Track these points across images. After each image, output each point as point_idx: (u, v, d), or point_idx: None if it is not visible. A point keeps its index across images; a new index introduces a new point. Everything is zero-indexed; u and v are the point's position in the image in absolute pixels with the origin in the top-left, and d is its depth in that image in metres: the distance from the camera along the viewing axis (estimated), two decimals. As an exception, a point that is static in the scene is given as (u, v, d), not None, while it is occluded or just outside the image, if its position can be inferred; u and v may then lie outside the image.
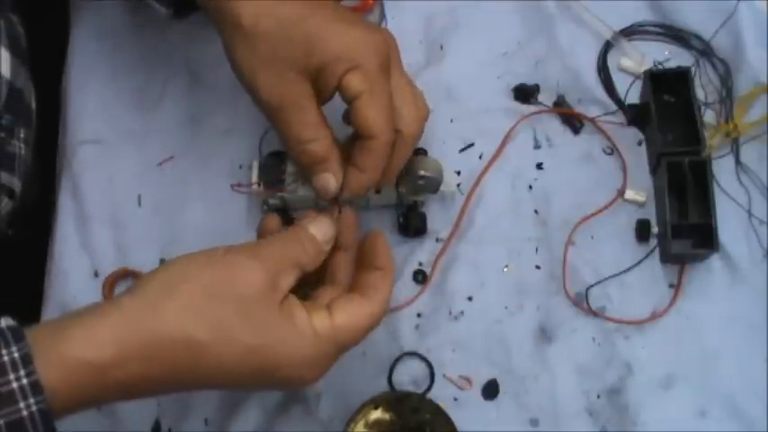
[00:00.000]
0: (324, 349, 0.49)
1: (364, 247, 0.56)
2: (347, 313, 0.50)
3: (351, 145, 0.57)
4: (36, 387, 0.43)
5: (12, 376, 0.43)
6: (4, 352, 0.43)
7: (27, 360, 0.43)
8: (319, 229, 0.53)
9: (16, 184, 0.67)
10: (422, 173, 0.64)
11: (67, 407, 0.45)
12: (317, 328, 0.49)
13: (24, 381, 0.43)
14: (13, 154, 0.66)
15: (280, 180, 0.66)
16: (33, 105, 0.69)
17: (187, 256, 0.49)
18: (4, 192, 0.65)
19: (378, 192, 0.64)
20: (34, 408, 0.43)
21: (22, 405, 0.43)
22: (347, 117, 0.57)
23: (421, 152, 0.67)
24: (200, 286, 0.47)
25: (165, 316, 0.46)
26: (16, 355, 0.43)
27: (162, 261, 0.69)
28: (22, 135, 0.67)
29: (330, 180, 0.56)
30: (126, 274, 0.68)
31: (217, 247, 0.50)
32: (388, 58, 0.56)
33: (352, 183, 0.56)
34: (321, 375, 0.50)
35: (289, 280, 0.49)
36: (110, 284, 0.68)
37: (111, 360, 0.45)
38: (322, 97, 0.55)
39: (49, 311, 0.68)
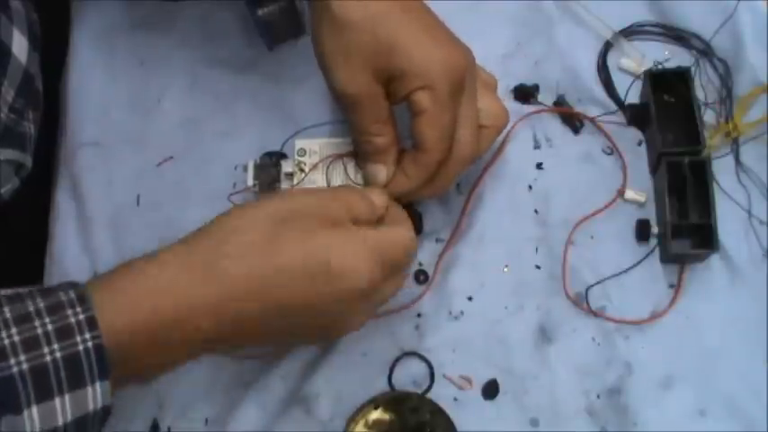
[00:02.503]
0: (371, 251, 0.53)
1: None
2: (390, 230, 0.56)
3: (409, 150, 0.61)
4: (92, 322, 0.45)
5: (69, 311, 0.45)
6: (62, 294, 0.46)
7: (83, 298, 0.46)
8: (378, 197, 0.58)
9: (28, 160, 0.68)
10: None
11: (124, 348, 0.47)
12: (367, 235, 0.54)
13: (81, 316, 0.45)
14: (24, 134, 0.67)
15: (275, 180, 0.66)
16: (41, 88, 0.70)
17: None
18: (15, 169, 0.66)
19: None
20: (90, 343, 0.45)
21: (78, 339, 0.45)
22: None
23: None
24: (264, 213, 0.53)
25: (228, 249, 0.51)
26: (73, 295, 0.46)
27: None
28: (31, 116, 0.68)
29: (381, 171, 0.61)
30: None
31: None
32: (463, 81, 0.58)
33: (395, 183, 0.61)
34: (372, 277, 0.53)
35: (340, 213, 0.54)
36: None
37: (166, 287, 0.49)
38: (391, 99, 0.59)
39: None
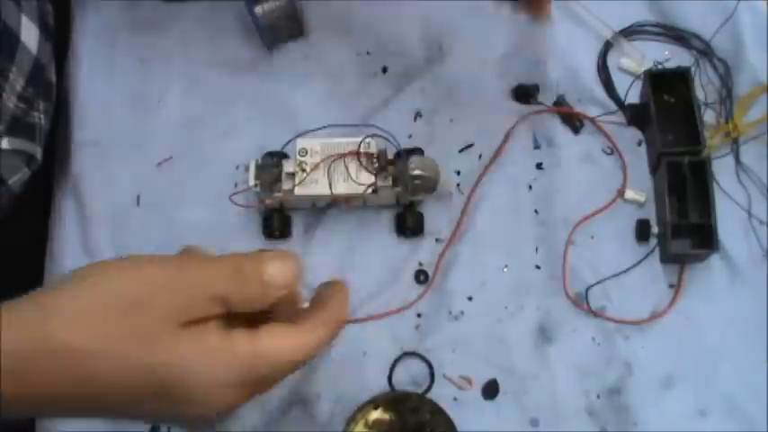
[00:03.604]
0: (237, 372, 0.42)
1: (322, 291, 0.47)
2: (273, 340, 0.42)
3: None
4: None
5: None
6: None
7: None
8: (279, 271, 0.42)
9: (38, 151, 0.68)
10: (417, 172, 0.64)
11: None
12: (236, 350, 0.41)
13: None
14: (33, 124, 0.67)
15: (277, 180, 0.66)
16: (54, 80, 0.70)
17: (102, 262, 0.42)
18: (25, 159, 0.66)
19: (375, 192, 0.65)
20: None
21: None
22: None
23: (417, 152, 0.67)
24: (101, 293, 0.40)
25: (50, 321, 0.39)
26: None
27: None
28: (41, 107, 0.68)
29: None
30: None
31: (141, 255, 0.42)
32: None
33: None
34: (231, 402, 0.42)
35: (206, 308, 0.41)
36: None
37: None
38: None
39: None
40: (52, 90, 0.70)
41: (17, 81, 0.63)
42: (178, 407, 0.41)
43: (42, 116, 0.68)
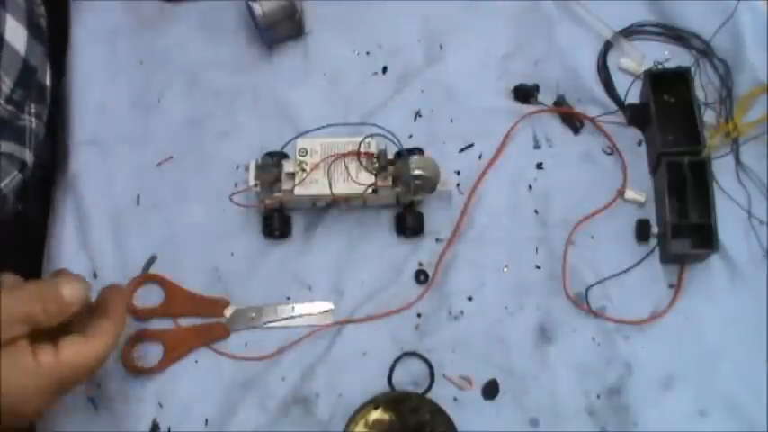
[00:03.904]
0: (45, 381, 0.51)
1: (102, 296, 0.57)
2: (71, 350, 0.52)
3: None
4: None
5: None
6: None
7: None
8: (72, 291, 0.52)
9: (28, 156, 0.67)
10: (418, 172, 0.64)
11: None
12: (41, 363, 0.50)
13: None
14: (23, 127, 0.66)
15: (277, 180, 0.66)
16: (48, 83, 0.70)
17: None
18: (15, 164, 0.66)
19: (375, 192, 0.65)
20: None
21: None
22: None
23: (417, 152, 0.67)
24: None
25: None
26: None
27: (153, 257, 0.69)
28: (33, 110, 0.67)
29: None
30: (146, 280, 0.69)
31: None
32: None
33: None
34: (41, 406, 0.51)
35: (15, 329, 0.49)
36: (130, 290, 0.68)
37: None
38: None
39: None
40: (45, 93, 0.69)
41: (4, 83, 0.62)
42: None
43: (34, 119, 0.67)
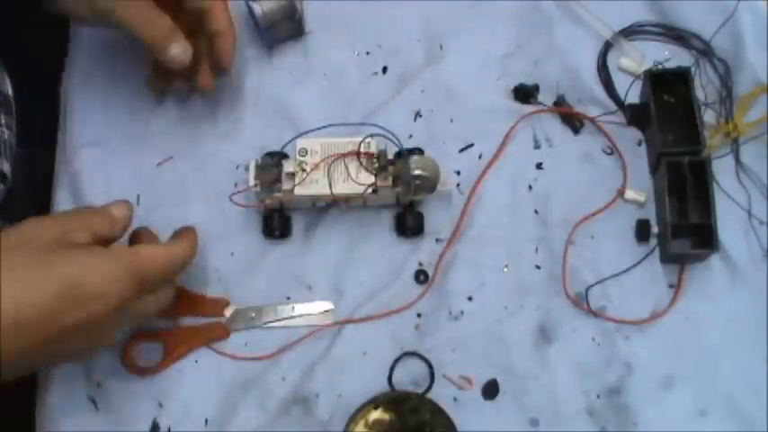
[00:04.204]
0: (123, 268, 0.54)
1: (177, 231, 0.64)
2: (147, 248, 0.58)
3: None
4: None
5: None
6: None
7: None
8: (119, 209, 0.59)
9: (6, 167, 0.68)
10: (418, 172, 0.63)
11: None
12: (118, 251, 0.56)
13: None
14: None
15: (277, 180, 0.66)
16: (10, 92, 0.71)
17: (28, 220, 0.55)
18: None
19: (375, 192, 0.65)
20: None
21: None
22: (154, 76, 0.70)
23: (417, 151, 0.67)
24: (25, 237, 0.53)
25: None
26: None
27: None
28: (3, 121, 0.68)
29: (183, 44, 0.64)
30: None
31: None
32: None
33: (219, 45, 0.67)
34: (123, 291, 0.53)
35: (80, 236, 0.54)
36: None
37: None
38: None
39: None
40: (10, 102, 0.70)
41: None
42: (84, 306, 0.51)
43: (6, 130, 0.68)
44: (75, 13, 0.63)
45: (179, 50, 0.64)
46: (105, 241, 0.57)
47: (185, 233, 0.63)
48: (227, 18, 0.67)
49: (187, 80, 0.71)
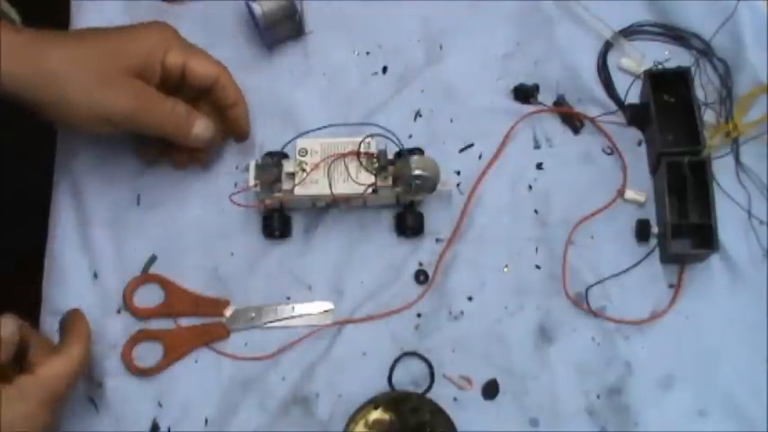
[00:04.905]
0: (33, 402, 0.54)
1: (62, 320, 0.62)
2: (46, 365, 0.56)
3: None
4: None
5: None
6: None
7: None
8: (5, 329, 0.56)
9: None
10: (417, 172, 0.63)
11: None
12: (22, 385, 0.54)
13: None
14: None
15: (277, 180, 0.66)
16: None
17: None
18: None
19: (375, 192, 0.64)
20: None
21: None
22: (144, 149, 0.70)
23: (417, 152, 0.67)
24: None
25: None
26: None
27: (153, 257, 0.69)
28: None
29: (204, 121, 0.65)
30: (146, 280, 0.69)
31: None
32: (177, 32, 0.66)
33: (234, 115, 0.69)
34: (45, 425, 0.54)
35: None
36: (130, 291, 0.68)
37: None
38: (152, 83, 0.63)
39: (48, 312, 0.68)
40: None
41: None
42: None
43: None
44: (92, 131, 0.64)
45: (202, 128, 0.65)
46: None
47: (73, 325, 0.60)
48: (236, 87, 0.68)
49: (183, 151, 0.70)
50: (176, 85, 0.65)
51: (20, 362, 0.57)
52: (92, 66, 0.60)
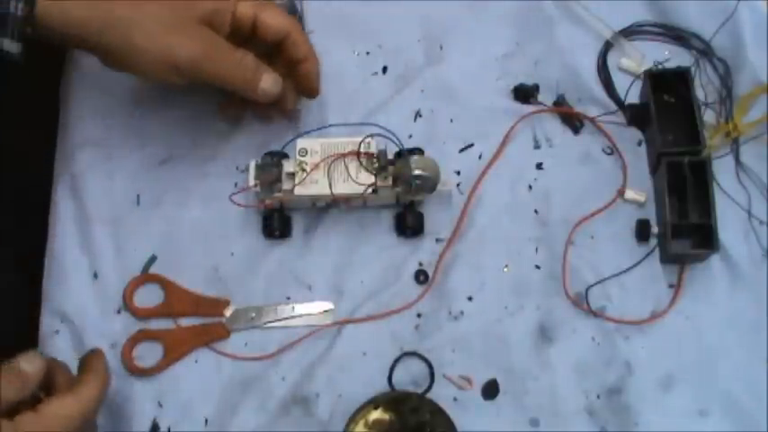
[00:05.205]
0: None
1: (82, 359, 0.59)
2: (53, 404, 0.53)
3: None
4: None
5: None
6: None
7: None
8: (29, 364, 0.53)
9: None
10: (418, 172, 0.64)
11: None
12: (21, 421, 0.51)
13: None
14: None
15: (277, 180, 0.66)
16: None
17: None
18: None
19: (375, 192, 0.64)
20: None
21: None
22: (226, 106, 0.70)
23: (417, 151, 0.67)
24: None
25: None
26: None
27: (153, 257, 0.69)
28: None
29: (273, 76, 0.64)
30: (146, 280, 0.69)
31: None
32: None
33: (305, 70, 0.67)
34: None
35: None
36: (130, 291, 0.68)
37: None
38: (221, 33, 0.63)
39: (48, 312, 0.68)
40: None
41: None
42: None
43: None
44: (159, 79, 0.62)
45: (270, 84, 0.64)
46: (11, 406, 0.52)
47: (92, 364, 0.58)
48: (307, 42, 0.67)
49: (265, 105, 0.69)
50: (246, 38, 0.64)
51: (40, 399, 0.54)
52: (160, 12, 0.59)
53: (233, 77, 0.63)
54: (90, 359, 0.58)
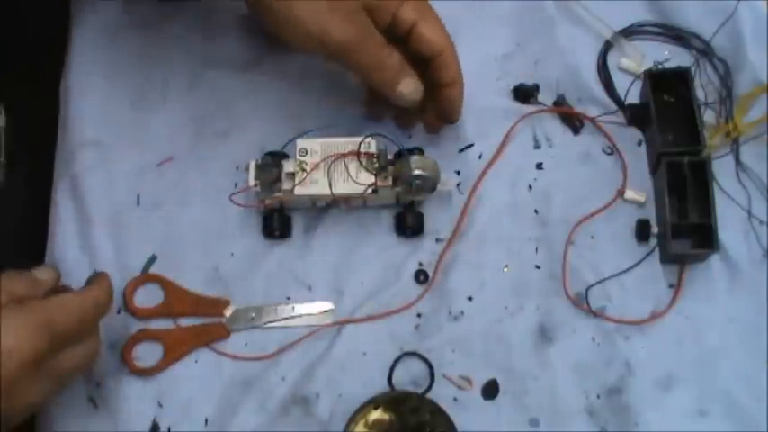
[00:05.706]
0: (31, 316, 0.52)
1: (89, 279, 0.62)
2: (58, 297, 0.56)
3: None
4: None
5: None
6: None
7: None
8: (42, 272, 0.58)
9: None
10: (418, 172, 0.64)
11: None
12: (24, 305, 0.53)
13: None
14: None
15: (277, 180, 0.66)
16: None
17: None
18: None
19: (375, 192, 0.65)
20: None
21: None
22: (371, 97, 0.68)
23: (417, 151, 0.67)
24: None
25: None
26: None
27: (153, 257, 0.69)
28: None
29: (415, 81, 0.63)
30: (146, 280, 0.69)
31: None
32: None
33: (449, 95, 0.65)
34: (36, 343, 0.52)
35: None
36: (130, 291, 0.68)
37: None
38: (378, 27, 0.61)
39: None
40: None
41: None
42: None
43: None
44: (306, 50, 0.62)
45: (410, 89, 0.62)
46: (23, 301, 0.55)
47: (97, 278, 0.60)
48: (458, 66, 0.64)
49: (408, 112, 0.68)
50: (397, 41, 0.62)
51: None
52: None
53: (375, 72, 0.61)
54: (95, 277, 0.61)
